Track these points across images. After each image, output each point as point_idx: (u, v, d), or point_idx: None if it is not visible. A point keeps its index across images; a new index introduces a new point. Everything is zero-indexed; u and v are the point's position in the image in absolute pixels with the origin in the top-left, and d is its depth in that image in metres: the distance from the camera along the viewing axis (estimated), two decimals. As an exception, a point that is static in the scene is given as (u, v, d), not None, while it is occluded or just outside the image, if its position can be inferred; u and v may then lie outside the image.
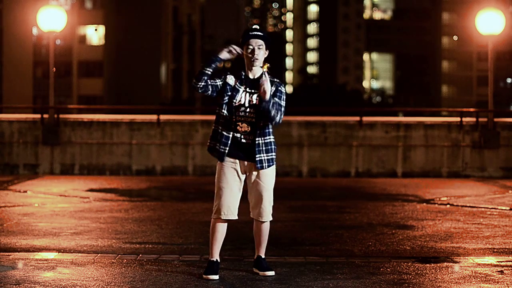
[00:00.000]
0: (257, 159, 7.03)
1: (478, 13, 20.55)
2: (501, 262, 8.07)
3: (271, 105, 6.93)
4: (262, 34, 7.16)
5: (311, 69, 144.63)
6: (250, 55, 7.08)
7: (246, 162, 7.09)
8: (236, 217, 7.18)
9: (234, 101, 7.03)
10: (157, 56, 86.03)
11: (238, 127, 7.04)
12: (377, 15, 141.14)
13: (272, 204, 7.18)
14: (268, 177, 7.12)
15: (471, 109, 21.26)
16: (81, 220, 11.07)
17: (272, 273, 7.27)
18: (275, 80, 7.16)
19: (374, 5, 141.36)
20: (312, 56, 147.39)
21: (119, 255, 8.24)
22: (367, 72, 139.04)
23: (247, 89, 7.08)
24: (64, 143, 19.39)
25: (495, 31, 20.33)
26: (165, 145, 19.50)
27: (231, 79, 7.10)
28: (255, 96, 7.06)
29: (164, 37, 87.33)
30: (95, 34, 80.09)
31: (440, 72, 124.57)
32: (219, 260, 7.26)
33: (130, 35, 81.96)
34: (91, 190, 15.45)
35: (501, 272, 7.55)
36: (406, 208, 12.97)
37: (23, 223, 10.72)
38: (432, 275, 7.41)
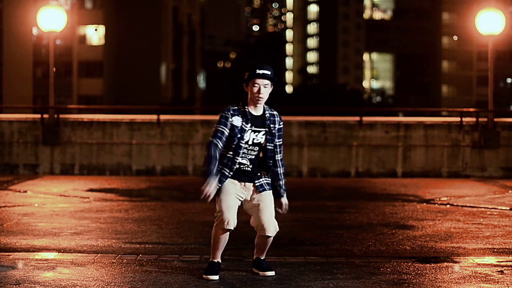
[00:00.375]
0: (257, 184, 7.14)
1: (478, 13, 20.55)
2: (501, 262, 8.07)
3: (283, 179, 7.27)
4: (269, 73, 7.06)
5: (311, 69, 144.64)
6: (256, 95, 7.03)
7: (246, 184, 7.15)
8: (235, 224, 7.22)
9: (242, 141, 7.05)
10: (157, 56, 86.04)
11: (238, 164, 7.09)
12: (377, 15, 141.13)
13: (274, 215, 7.19)
14: (269, 196, 7.20)
15: (471, 109, 21.26)
16: (81, 220, 11.07)
17: (272, 273, 7.27)
18: (275, 113, 7.20)
19: (374, 5, 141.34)
20: (312, 56, 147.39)
21: (119, 255, 8.24)
22: (367, 72, 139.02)
23: (252, 127, 7.08)
24: (64, 143, 19.39)
25: (495, 31, 20.33)
26: (165, 145, 19.50)
27: (237, 120, 7.04)
28: (260, 135, 7.10)
29: (164, 37, 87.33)
30: (95, 34, 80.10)
31: (440, 72, 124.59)
32: (220, 262, 7.29)
33: (130, 35, 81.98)
34: (91, 190, 15.45)
35: (501, 272, 7.55)
36: (406, 208, 12.97)
37: (23, 223, 10.72)
38: (432, 275, 7.41)
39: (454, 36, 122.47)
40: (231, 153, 7.05)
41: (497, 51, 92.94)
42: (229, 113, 7.06)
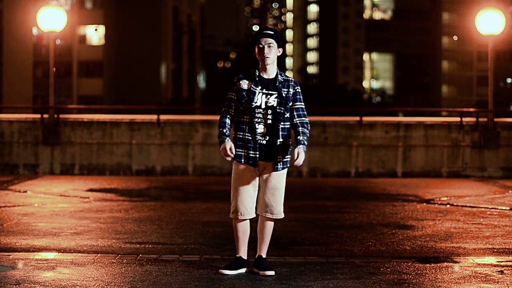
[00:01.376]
0: (276, 161, 7.10)
1: (478, 13, 20.55)
2: (501, 262, 8.07)
3: (305, 136, 7.16)
4: (272, 32, 7.12)
5: (311, 69, 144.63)
6: (262, 55, 7.07)
7: (262, 162, 7.13)
8: (254, 215, 7.22)
9: (252, 104, 7.05)
10: (157, 56, 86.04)
11: (255, 129, 7.07)
12: (377, 15, 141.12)
13: (282, 200, 7.23)
14: (281, 176, 7.17)
15: (471, 109, 21.26)
16: (81, 220, 11.07)
17: (272, 273, 7.26)
18: (290, 79, 7.20)
19: (374, 5, 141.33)
20: (312, 56, 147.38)
21: (119, 255, 8.24)
22: (367, 72, 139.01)
23: (263, 90, 7.09)
24: (64, 143, 19.39)
25: (495, 31, 20.33)
26: (165, 145, 19.50)
27: (244, 83, 7.12)
28: (272, 98, 7.09)
29: (164, 37, 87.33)
30: (95, 34, 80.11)
31: (440, 72, 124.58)
32: (244, 257, 7.27)
33: (130, 35, 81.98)
34: (91, 190, 15.45)
35: (501, 272, 7.55)
36: (406, 208, 12.97)
37: (23, 223, 10.72)
38: (432, 275, 7.41)
39: (454, 36, 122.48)
40: (247, 117, 7.05)
41: (497, 51, 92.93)
42: (237, 78, 7.18)
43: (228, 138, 7.08)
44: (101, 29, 79.80)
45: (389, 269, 7.65)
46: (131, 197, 14.54)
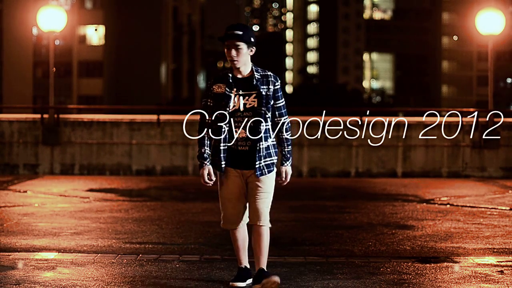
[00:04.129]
0: (256, 166, 6.54)
1: (478, 13, 20.55)
2: (501, 262, 8.06)
3: (289, 146, 6.70)
4: (239, 33, 6.51)
5: (311, 69, 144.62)
6: (229, 56, 6.55)
7: (245, 171, 6.63)
8: (246, 221, 6.76)
9: (228, 108, 6.52)
10: (157, 56, 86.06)
11: (235, 133, 6.56)
12: (377, 15, 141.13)
13: (269, 208, 6.68)
14: (267, 181, 6.62)
15: (471, 109, 21.26)
16: (81, 220, 11.07)
17: (277, 278, 6.57)
18: (269, 74, 6.63)
19: (374, 5, 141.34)
20: (312, 56, 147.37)
21: (119, 255, 8.24)
22: (367, 72, 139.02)
23: (240, 92, 6.55)
24: (64, 143, 19.39)
25: (495, 31, 20.33)
26: (165, 145, 19.50)
27: (218, 88, 6.59)
28: (251, 98, 6.55)
29: (164, 37, 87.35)
30: (95, 34, 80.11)
31: (440, 72, 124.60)
32: (248, 266, 6.87)
33: (130, 35, 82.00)
34: (91, 190, 15.45)
35: (501, 272, 7.55)
36: (406, 208, 12.97)
37: (23, 223, 10.72)
38: (432, 275, 7.41)
39: (454, 36, 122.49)
40: (225, 124, 6.54)
41: (497, 51, 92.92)
42: (210, 82, 6.67)
43: (207, 161, 6.62)
44: (101, 29, 79.81)
45: (389, 269, 7.65)
46: (131, 197, 14.54)
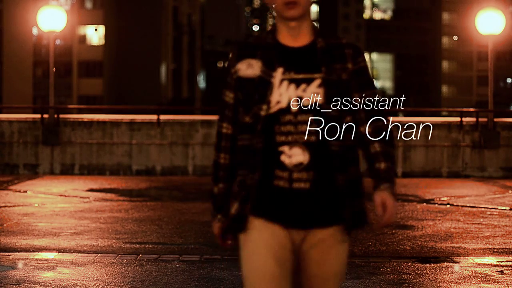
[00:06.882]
0: (345, 216, 3.85)
1: (478, 13, 20.54)
2: (501, 262, 8.06)
3: (389, 162, 4.04)
4: None
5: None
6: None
7: (301, 230, 3.53)
8: None
9: (269, 106, 3.41)
10: (157, 56, 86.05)
11: (281, 156, 3.43)
12: (377, 15, 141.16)
13: (336, 279, 3.70)
14: (341, 251, 3.73)
15: (471, 109, 21.26)
16: (81, 220, 11.07)
17: None
18: (343, 43, 3.55)
19: (374, 5, 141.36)
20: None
21: (119, 255, 8.24)
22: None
23: (291, 74, 3.43)
24: (64, 143, 19.39)
25: (495, 31, 20.32)
26: (165, 145, 19.50)
27: (248, 67, 3.47)
28: (312, 87, 3.43)
29: (164, 37, 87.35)
30: (95, 34, 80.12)
31: (440, 72, 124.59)
32: None
33: (130, 35, 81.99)
34: (91, 190, 15.45)
35: (501, 272, 7.54)
36: (406, 208, 12.97)
37: (23, 223, 10.72)
38: (432, 275, 7.40)
39: (454, 36, 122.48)
40: (259, 139, 3.41)
41: (497, 51, 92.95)
42: (233, 56, 3.52)
43: (220, 212, 3.58)
44: (101, 29, 79.81)
45: (389, 269, 7.64)
46: (131, 197, 14.54)
